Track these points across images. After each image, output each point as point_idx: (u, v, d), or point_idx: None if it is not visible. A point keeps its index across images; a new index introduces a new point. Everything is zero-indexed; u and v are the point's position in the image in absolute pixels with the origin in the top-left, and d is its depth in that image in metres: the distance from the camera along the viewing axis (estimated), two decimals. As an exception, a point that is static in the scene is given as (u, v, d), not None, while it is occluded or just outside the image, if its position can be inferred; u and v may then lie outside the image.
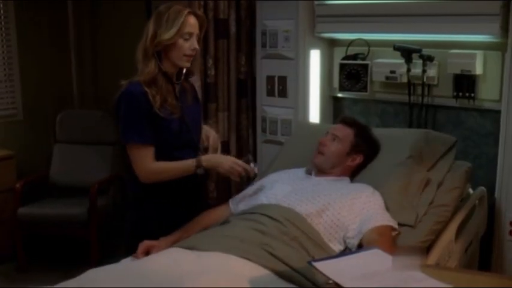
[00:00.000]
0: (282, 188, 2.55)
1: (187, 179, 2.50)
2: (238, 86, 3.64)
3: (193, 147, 2.60)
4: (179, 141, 2.54)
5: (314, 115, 3.45)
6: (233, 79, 3.62)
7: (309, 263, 1.93)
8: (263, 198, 2.54)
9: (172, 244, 2.36)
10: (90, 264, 2.17)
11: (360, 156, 2.65)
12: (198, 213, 2.65)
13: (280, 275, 2.05)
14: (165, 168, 2.48)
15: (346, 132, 2.66)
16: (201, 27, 2.53)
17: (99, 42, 4.93)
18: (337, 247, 2.34)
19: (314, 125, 3.34)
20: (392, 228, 2.38)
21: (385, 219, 2.38)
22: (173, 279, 1.97)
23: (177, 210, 2.57)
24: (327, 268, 1.85)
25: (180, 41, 2.44)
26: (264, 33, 3.46)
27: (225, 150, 3.60)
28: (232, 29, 3.54)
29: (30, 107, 4.70)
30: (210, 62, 3.51)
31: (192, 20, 2.47)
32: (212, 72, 3.52)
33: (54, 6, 4.77)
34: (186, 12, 2.45)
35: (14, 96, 4.65)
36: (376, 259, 1.87)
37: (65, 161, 4.52)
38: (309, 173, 2.70)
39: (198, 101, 2.73)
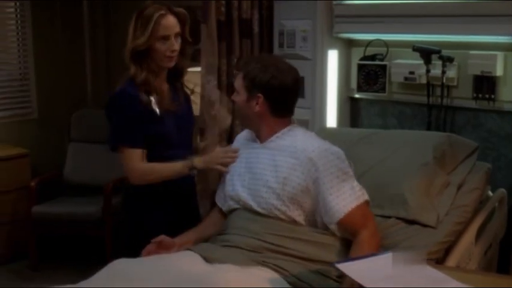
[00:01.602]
0: (241, 181, 2.35)
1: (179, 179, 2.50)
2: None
3: (186, 146, 2.61)
4: (173, 140, 2.54)
5: (331, 116, 3.43)
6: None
7: (331, 264, 1.92)
8: (232, 203, 2.37)
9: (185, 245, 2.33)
10: (104, 263, 2.16)
11: (259, 97, 2.29)
12: (191, 212, 2.69)
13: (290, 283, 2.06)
14: (157, 169, 2.47)
15: (238, 80, 2.37)
16: (183, 23, 2.50)
17: (113, 42, 4.94)
18: (323, 230, 2.25)
19: (333, 130, 3.29)
20: (366, 203, 2.27)
21: (351, 199, 2.22)
22: (198, 274, 1.97)
23: (171, 209, 2.57)
24: (349, 269, 1.83)
25: (157, 44, 2.42)
26: (281, 33, 3.44)
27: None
28: (255, 28, 3.52)
29: (45, 105, 4.72)
30: (235, 61, 3.47)
31: (167, 21, 2.43)
32: (238, 71, 3.50)
33: (70, 6, 4.79)
34: (157, 15, 2.41)
35: (29, 95, 4.67)
36: (397, 261, 1.86)
37: (79, 159, 4.53)
38: (253, 137, 2.47)
39: (188, 100, 2.71)
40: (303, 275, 2.07)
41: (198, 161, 2.45)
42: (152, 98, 2.46)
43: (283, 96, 2.33)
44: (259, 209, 2.25)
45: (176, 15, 2.48)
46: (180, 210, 2.60)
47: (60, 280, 2.19)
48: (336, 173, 2.23)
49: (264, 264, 2.10)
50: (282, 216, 2.23)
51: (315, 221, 2.26)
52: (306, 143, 2.30)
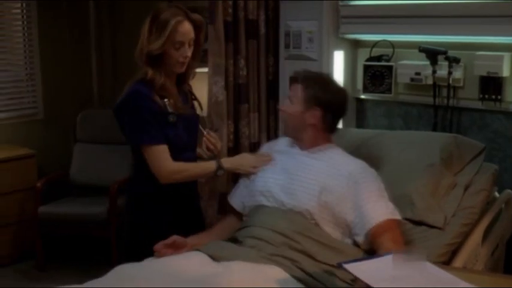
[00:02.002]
0: (275, 179, 2.40)
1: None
2: (268, 87, 3.62)
3: (193, 148, 2.63)
4: (184, 143, 2.53)
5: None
6: (263, 80, 3.60)
7: (339, 264, 1.92)
8: (262, 198, 2.40)
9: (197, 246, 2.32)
10: (109, 263, 2.18)
11: (317, 110, 2.40)
12: (194, 214, 2.69)
13: (300, 281, 2.05)
14: (186, 168, 2.48)
15: (295, 90, 2.45)
16: (198, 30, 2.49)
17: (119, 42, 4.95)
18: (347, 240, 2.30)
19: (339, 131, 3.28)
20: (398, 222, 2.30)
21: (387, 211, 2.28)
22: (203, 275, 1.98)
23: (173, 211, 2.55)
24: (357, 270, 1.84)
25: (171, 50, 2.41)
26: (287, 34, 3.45)
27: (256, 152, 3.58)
28: (262, 29, 3.52)
29: (51, 106, 4.73)
30: (242, 62, 3.48)
31: (184, 28, 2.41)
32: (244, 72, 3.50)
33: (76, 7, 4.80)
34: (174, 21, 2.39)
35: (35, 95, 4.69)
36: (405, 261, 1.86)
37: (85, 160, 4.54)
38: (293, 145, 2.54)
39: (193, 105, 2.70)
40: (317, 274, 2.07)
41: (225, 162, 2.49)
42: (166, 102, 2.45)
43: (338, 114, 2.51)
44: (289, 206, 2.30)
45: (193, 21, 2.46)
46: (183, 212, 2.59)
47: (66, 280, 2.19)
48: (374, 189, 2.33)
49: (277, 260, 2.10)
50: (309, 217, 2.27)
51: (339, 234, 2.30)
52: (346, 159, 2.44)
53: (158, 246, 2.25)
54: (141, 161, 2.46)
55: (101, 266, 2.23)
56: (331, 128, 2.50)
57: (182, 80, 2.60)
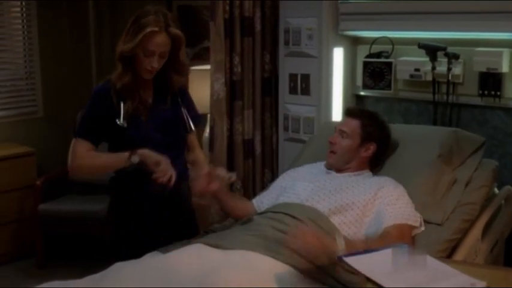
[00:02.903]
0: (304, 187, 2.55)
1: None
2: (263, 84, 3.64)
3: (175, 147, 2.55)
4: (151, 143, 2.42)
5: (337, 113, 3.43)
6: (258, 77, 3.61)
7: (339, 258, 1.92)
8: (286, 198, 2.55)
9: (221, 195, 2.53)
10: (109, 261, 2.18)
11: (372, 145, 2.62)
12: (183, 212, 2.64)
13: (304, 272, 2.05)
14: (91, 155, 2.42)
15: (353, 125, 2.62)
16: (176, 43, 2.43)
17: (119, 40, 4.94)
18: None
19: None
20: (412, 228, 2.36)
21: (404, 216, 2.35)
22: (198, 275, 1.97)
23: (159, 210, 2.53)
24: (357, 263, 1.84)
25: (141, 55, 2.38)
26: (287, 31, 3.45)
27: (250, 148, 3.59)
28: (257, 27, 3.53)
29: (50, 104, 4.73)
30: (237, 59, 3.50)
31: (158, 39, 2.36)
32: (238, 69, 3.52)
33: (75, 5, 4.80)
34: (150, 29, 2.34)
35: (34, 93, 4.69)
36: (406, 255, 1.86)
37: (84, 158, 4.53)
38: (329, 168, 2.69)
39: (178, 104, 2.59)
40: (325, 265, 2.08)
41: (139, 153, 2.34)
42: (122, 105, 2.41)
43: (387, 149, 2.71)
44: (308, 204, 2.42)
45: (170, 35, 2.41)
46: (169, 211, 2.56)
47: (67, 278, 2.18)
48: (398, 194, 2.45)
49: (277, 251, 2.11)
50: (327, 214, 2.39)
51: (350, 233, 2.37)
52: (377, 178, 2.62)
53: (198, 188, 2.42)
54: None
55: (101, 264, 2.22)
56: (378, 161, 2.69)
57: (164, 91, 2.54)
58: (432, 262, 1.81)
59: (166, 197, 2.43)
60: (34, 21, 4.58)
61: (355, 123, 2.62)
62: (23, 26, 4.61)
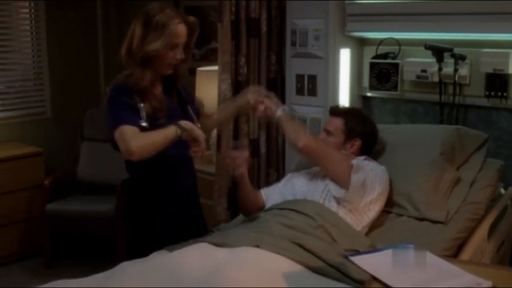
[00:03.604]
0: (307, 185, 2.59)
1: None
2: (268, 85, 3.65)
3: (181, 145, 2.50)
4: None
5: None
6: (263, 78, 3.63)
7: (345, 257, 1.93)
8: (290, 196, 2.59)
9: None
10: (116, 261, 2.19)
11: (357, 141, 2.69)
12: (194, 212, 2.64)
13: (312, 269, 2.06)
14: (149, 140, 2.31)
15: (336, 124, 2.70)
16: (192, 32, 2.46)
17: (130, 44, 4.96)
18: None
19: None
20: (350, 164, 2.50)
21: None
22: (204, 274, 1.98)
23: (173, 211, 2.53)
24: (363, 262, 1.85)
25: (164, 51, 2.38)
26: (294, 32, 3.46)
27: (255, 148, 3.60)
28: (263, 28, 3.55)
29: (58, 105, 4.75)
30: (243, 60, 3.51)
31: (181, 29, 2.39)
32: (244, 70, 3.53)
33: (83, 6, 4.83)
34: (173, 24, 2.36)
35: (42, 94, 4.71)
36: (412, 255, 1.87)
37: (92, 158, 4.56)
38: None
39: (186, 102, 2.61)
40: (332, 260, 2.10)
41: (184, 127, 2.34)
42: (142, 106, 2.38)
43: (373, 143, 2.77)
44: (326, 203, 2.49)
45: (188, 24, 2.44)
46: (182, 212, 2.57)
47: (73, 277, 2.20)
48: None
49: (281, 246, 2.14)
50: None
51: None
52: None
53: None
54: (132, 162, 2.42)
55: (108, 264, 2.24)
56: (368, 151, 2.74)
57: (172, 83, 2.55)
58: (438, 261, 1.82)
59: (182, 196, 2.49)
60: (42, 22, 4.60)
61: (338, 122, 2.70)
62: (31, 27, 4.63)
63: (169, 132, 2.31)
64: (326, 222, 2.31)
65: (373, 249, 2.15)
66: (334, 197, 2.45)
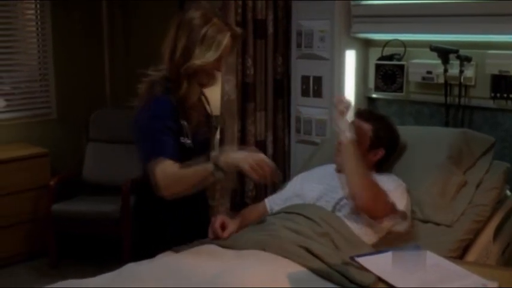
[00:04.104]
0: (316, 188, 2.56)
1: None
2: (275, 86, 3.66)
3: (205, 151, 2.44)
4: (195, 151, 2.33)
5: (349, 116, 3.42)
6: (270, 79, 3.63)
7: (351, 258, 1.93)
8: (298, 199, 2.56)
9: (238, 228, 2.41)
10: (122, 261, 2.20)
11: (381, 150, 2.58)
12: (202, 216, 2.58)
13: (318, 273, 2.06)
14: (182, 175, 2.16)
15: (363, 129, 2.58)
16: (234, 42, 2.34)
17: (132, 42, 4.99)
18: (370, 239, 2.36)
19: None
20: (388, 199, 2.37)
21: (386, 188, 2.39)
22: (211, 275, 1.99)
23: (183, 215, 2.45)
24: (369, 263, 1.85)
25: (212, 64, 2.25)
26: (299, 34, 3.47)
27: (262, 150, 3.60)
28: (270, 29, 3.56)
29: (64, 105, 4.76)
30: (249, 61, 3.53)
31: (229, 41, 2.26)
32: (251, 71, 3.54)
33: (89, 7, 4.84)
34: (225, 35, 2.23)
35: (48, 95, 4.72)
36: (416, 256, 1.87)
37: (97, 159, 4.57)
38: (338, 170, 2.69)
39: (208, 114, 2.53)
40: (337, 265, 2.07)
41: (223, 162, 2.11)
42: (186, 124, 2.26)
43: (393, 154, 2.68)
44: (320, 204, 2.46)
45: (234, 35, 2.30)
46: (192, 215, 2.51)
47: (79, 278, 2.21)
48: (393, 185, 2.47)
49: (288, 250, 2.13)
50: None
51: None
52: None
53: (211, 234, 2.33)
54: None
55: (113, 264, 2.24)
56: (383, 164, 2.64)
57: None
58: (443, 262, 1.82)
59: (192, 198, 2.37)
60: (48, 23, 4.62)
61: (366, 127, 2.58)
62: (37, 28, 4.65)
63: (205, 173, 2.12)
64: (331, 229, 2.29)
65: (379, 250, 2.15)
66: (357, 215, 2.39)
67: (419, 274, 1.74)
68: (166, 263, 2.13)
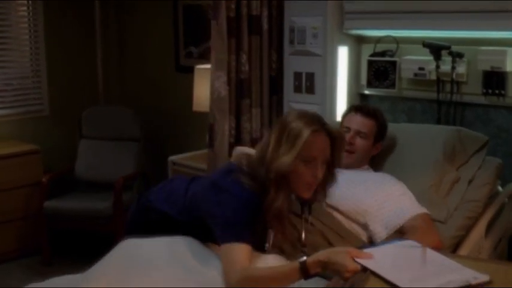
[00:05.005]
0: None
1: None
2: (270, 83, 3.65)
3: None
4: None
5: (341, 112, 3.43)
6: (265, 75, 3.62)
7: None
8: None
9: None
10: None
11: (380, 145, 2.71)
12: None
13: None
14: (260, 276, 1.90)
15: (370, 126, 2.67)
16: (336, 145, 2.07)
17: (125, 39, 4.98)
18: (360, 231, 2.37)
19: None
20: (429, 216, 2.40)
21: (418, 207, 2.41)
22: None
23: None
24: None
25: (300, 166, 2.00)
26: (292, 30, 3.47)
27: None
28: (265, 25, 3.54)
29: (56, 102, 4.76)
30: (244, 57, 3.51)
31: (320, 141, 2.01)
32: (246, 68, 3.52)
33: (82, 3, 4.83)
34: (311, 129, 1.98)
35: (40, 92, 4.72)
36: (410, 250, 1.87)
37: (90, 156, 4.57)
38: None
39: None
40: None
41: (312, 266, 1.82)
42: (270, 234, 2.06)
43: None
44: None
45: (330, 134, 2.05)
46: None
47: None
48: (404, 190, 2.50)
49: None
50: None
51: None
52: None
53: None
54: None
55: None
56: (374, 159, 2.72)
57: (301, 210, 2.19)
58: (437, 256, 1.82)
59: None
60: (40, 20, 4.61)
61: (371, 124, 2.67)
62: (30, 25, 4.64)
63: (290, 277, 1.86)
64: (324, 227, 2.29)
65: (372, 244, 2.15)
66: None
67: (413, 268, 1.74)
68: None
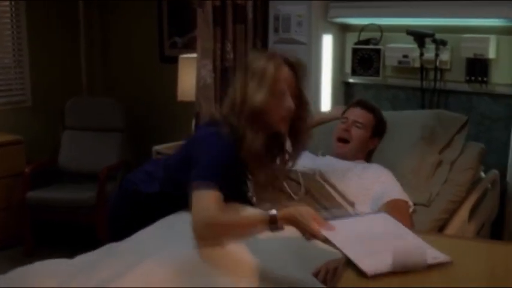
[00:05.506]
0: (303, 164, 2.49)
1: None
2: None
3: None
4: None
5: (325, 100, 3.46)
6: (251, 64, 3.61)
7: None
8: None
9: None
10: (97, 248, 2.18)
11: (376, 140, 2.76)
12: None
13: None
14: (227, 221, 1.87)
15: (368, 118, 2.73)
16: (298, 74, 2.09)
17: (109, 29, 4.95)
18: (347, 207, 2.39)
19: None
20: (408, 204, 2.39)
21: (400, 193, 2.40)
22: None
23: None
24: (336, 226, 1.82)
25: (272, 102, 2.01)
26: (276, 18, 3.46)
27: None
28: (250, 14, 3.53)
29: (39, 93, 4.71)
30: (229, 46, 3.50)
31: (284, 72, 2.04)
32: (231, 56, 3.52)
33: (65, -6, 4.79)
34: (272, 66, 2.01)
35: (23, 82, 4.66)
36: (380, 223, 1.86)
37: (73, 147, 4.53)
38: (323, 154, 2.73)
39: None
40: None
41: (281, 217, 1.83)
42: (248, 183, 2.08)
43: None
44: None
45: (290, 65, 2.07)
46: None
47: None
48: (391, 178, 2.53)
49: None
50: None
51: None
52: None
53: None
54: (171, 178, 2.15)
55: (89, 252, 2.22)
56: (371, 154, 2.77)
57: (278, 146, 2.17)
58: (404, 233, 1.76)
59: None
60: (22, 10, 4.55)
61: (369, 117, 2.73)
62: (12, 14, 4.57)
63: (258, 222, 1.85)
64: (316, 192, 2.35)
65: (339, 216, 2.12)
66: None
67: (373, 243, 1.66)
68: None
